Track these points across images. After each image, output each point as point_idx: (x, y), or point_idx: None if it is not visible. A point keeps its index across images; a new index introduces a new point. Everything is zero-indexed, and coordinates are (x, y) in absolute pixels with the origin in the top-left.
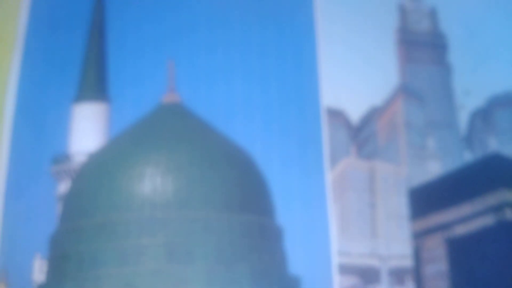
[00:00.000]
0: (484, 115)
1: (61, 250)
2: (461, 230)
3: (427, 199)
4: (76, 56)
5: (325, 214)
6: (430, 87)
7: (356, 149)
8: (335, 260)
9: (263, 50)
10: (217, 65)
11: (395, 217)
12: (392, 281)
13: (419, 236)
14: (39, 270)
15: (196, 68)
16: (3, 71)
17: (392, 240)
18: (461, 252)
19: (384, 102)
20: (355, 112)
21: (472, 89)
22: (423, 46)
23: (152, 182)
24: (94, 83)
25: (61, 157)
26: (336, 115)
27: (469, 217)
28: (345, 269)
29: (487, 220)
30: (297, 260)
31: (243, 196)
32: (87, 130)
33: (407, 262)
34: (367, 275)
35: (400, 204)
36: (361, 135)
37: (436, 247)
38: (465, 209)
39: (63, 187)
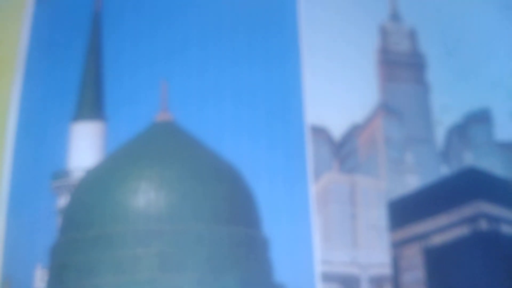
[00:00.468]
0: (461, 131)
1: (61, 260)
2: (437, 240)
3: (405, 211)
4: (74, 77)
5: (308, 225)
6: (409, 105)
7: (338, 164)
8: (318, 268)
9: (251, 71)
10: (207, 85)
11: (375, 228)
12: None
13: (397, 246)
14: (40, 279)
15: (188, 88)
16: (5, 90)
17: (372, 250)
18: (438, 260)
19: (365, 120)
20: (337, 129)
21: (449, 106)
22: (403, 66)
23: (146, 196)
24: (91, 103)
25: (61, 173)
26: (319, 132)
27: (445, 228)
28: (327, 277)
29: (463, 231)
30: (282, 269)
31: (231, 209)
32: (84, 147)
33: (386, 270)
34: (348, 282)
35: (380, 216)
36: (343, 151)
37: (414, 256)
38: (442, 220)
39: (63, 201)
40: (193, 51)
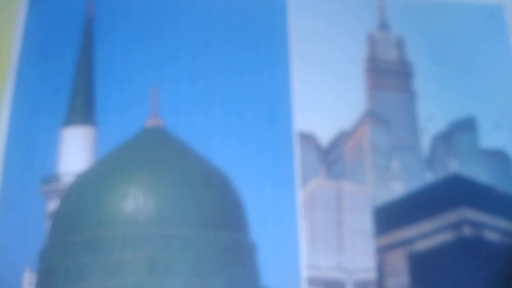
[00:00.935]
0: (446, 139)
1: (49, 264)
2: (422, 245)
3: (390, 217)
4: (65, 83)
5: (295, 230)
6: (395, 113)
7: (325, 170)
8: (304, 273)
9: (240, 79)
10: (197, 92)
11: (360, 233)
12: None
13: (382, 251)
14: (28, 283)
15: (178, 94)
16: None
17: (358, 255)
18: (422, 266)
19: (352, 127)
20: (324, 136)
21: (435, 114)
22: (390, 74)
23: (135, 201)
24: (82, 108)
25: (51, 177)
26: (307, 138)
27: (429, 234)
28: (313, 282)
29: (447, 236)
30: (269, 273)
31: (219, 214)
32: (75, 152)
33: (371, 275)
34: (334, 287)
35: (365, 221)
36: (330, 157)
37: (398, 261)
38: (426, 226)
39: (52, 205)
40: (183, 58)
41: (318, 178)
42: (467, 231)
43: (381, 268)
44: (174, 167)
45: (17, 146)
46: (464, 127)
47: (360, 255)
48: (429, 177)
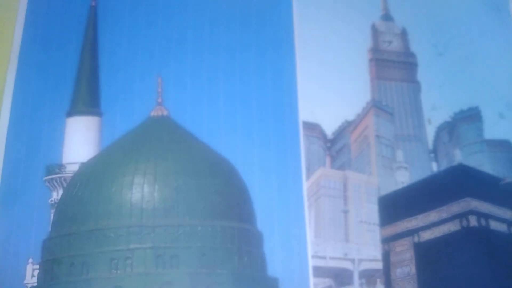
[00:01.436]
0: (450, 129)
1: (53, 255)
2: (428, 235)
3: (396, 207)
4: (69, 72)
5: (301, 220)
6: (400, 103)
7: (330, 160)
8: (311, 263)
9: (245, 68)
10: (202, 81)
11: (366, 223)
12: (363, 283)
13: (388, 241)
14: (31, 275)
15: (183, 84)
16: None
17: (364, 245)
18: (428, 256)
19: (357, 117)
20: (330, 126)
21: (439, 104)
22: (394, 65)
23: (140, 191)
24: (87, 98)
25: (55, 167)
26: (312, 128)
27: (435, 224)
28: (320, 272)
29: (453, 227)
30: (275, 263)
31: (225, 203)
32: (79, 141)
33: (378, 265)
34: (341, 277)
35: (371, 211)
36: (335, 147)
37: (405, 251)
38: (432, 216)
39: (56, 195)
40: (188, 47)
41: (323, 168)
42: (472, 221)
43: (387, 258)
44: (180, 156)
45: (20, 136)
46: (468, 118)
47: (367, 245)
48: (434, 167)
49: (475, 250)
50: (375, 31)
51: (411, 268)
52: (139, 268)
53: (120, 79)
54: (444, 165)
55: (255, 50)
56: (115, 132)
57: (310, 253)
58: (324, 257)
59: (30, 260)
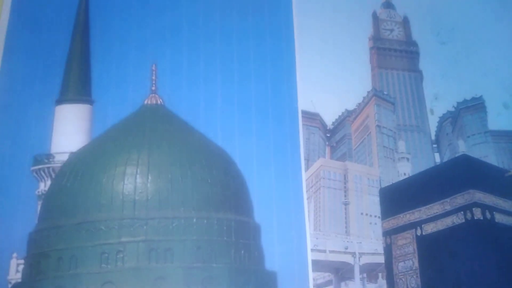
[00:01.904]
0: (453, 119)
1: (40, 248)
2: (431, 228)
3: (398, 199)
4: (59, 57)
5: (300, 213)
6: (401, 92)
7: (330, 150)
8: (310, 256)
9: (243, 56)
10: (198, 69)
11: (367, 216)
12: (364, 277)
13: (390, 234)
14: (15, 270)
15: (178, 71)
16: None
17: (365, 238)
18: (432, 249)
19: (358, 106)
20: (330, 116)
21: (441, 94)
22: (395, 53)
23: (133, 182)
24: (77, 85)
25: (42, 157)
26: (312, 118)
27: (439, 216)
28: (319, 266)
29: (456, 219)
30: (273, 257)
31: (221, 195)
32: (69, 130)
33: (380, 259)
34: (341, 271)
35: (373, 203)
36: (335, 137)
37: (407, 245)
38: (435, 208)
39: (44, 186)
40: (183, 33)
41: (323, 158)
42: (477, 213)
43: (389, 252)
44: (175, 146)
45: (6, 124)
46: (471, 108)
47: (368, 238)
48: (437, 158)
49: (479, 243)
50: (376, 19)
51: (414, 262)
52: (131, 262)
53: (112, 65)
54: (447, 156)
55: (253, 38)
56: (107, 121)
57: (309, 246)
58: (324, 251)
59: (15, 255)
